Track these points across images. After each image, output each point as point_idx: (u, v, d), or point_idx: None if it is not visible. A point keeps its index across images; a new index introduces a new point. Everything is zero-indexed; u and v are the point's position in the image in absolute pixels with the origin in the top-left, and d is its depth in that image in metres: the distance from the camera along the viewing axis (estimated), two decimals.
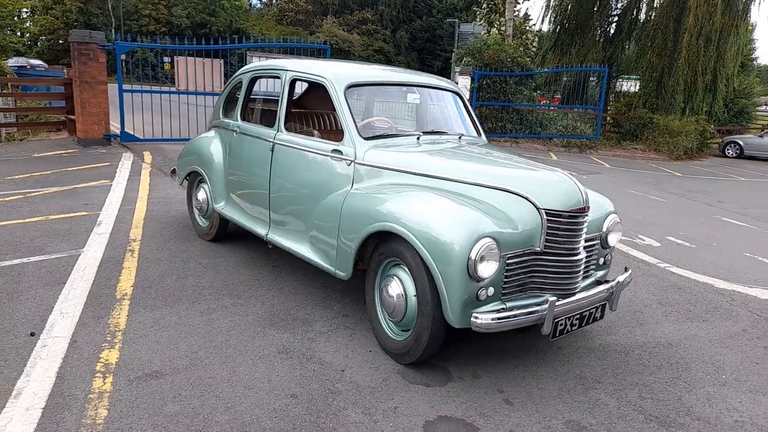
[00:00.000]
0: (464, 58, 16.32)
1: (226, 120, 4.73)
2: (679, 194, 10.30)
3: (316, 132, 3.99)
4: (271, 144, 4.00)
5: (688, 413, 2.81)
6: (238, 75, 4.66)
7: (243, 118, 4.49)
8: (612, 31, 21.77)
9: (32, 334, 3.14)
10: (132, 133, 10.58)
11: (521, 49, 15.81)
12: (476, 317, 2.71)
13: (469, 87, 15.44)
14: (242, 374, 2.87)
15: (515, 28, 16.33)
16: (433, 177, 3.19)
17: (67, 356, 2.93)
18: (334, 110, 3.64)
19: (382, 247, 3.18)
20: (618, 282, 3.22)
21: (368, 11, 56.68)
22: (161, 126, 10.71)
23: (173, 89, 11.41)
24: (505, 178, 3.05)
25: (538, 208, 2.92)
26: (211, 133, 4.94)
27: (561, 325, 2.90)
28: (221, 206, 4.63)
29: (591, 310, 3.07)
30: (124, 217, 5.63)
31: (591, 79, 18.39)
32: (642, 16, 21.20)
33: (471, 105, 15.14)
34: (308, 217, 3.69)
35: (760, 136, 20.37)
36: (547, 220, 2.92)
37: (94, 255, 4.47)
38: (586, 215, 3.03)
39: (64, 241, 4.78)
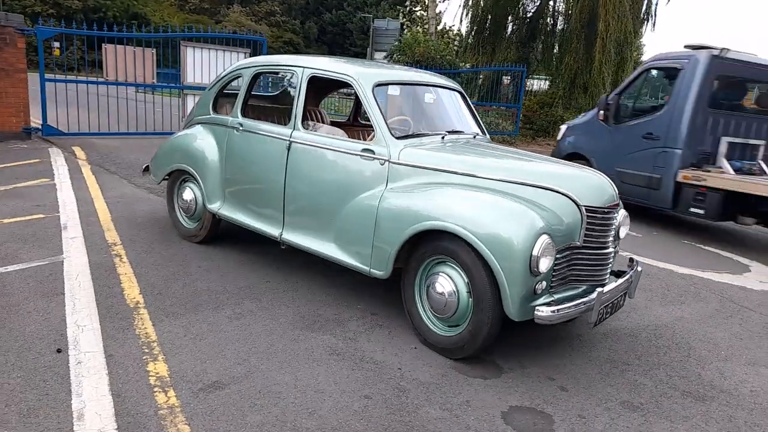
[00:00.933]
0: (394, 55, 16.52)
1: (219, 116, 4.54)
2: None
3: (339, 131, 3.94)
4: (287, 142, 3.90)
5: (712, 387, 3.14)
6: (236, 70, 4.48)
7: (244, 115, 4.33)
8: (524, 33, 22.99)
9: (59, 351, 2.88)
10: (55, 126, 9.72)
11: (448, 47, 16.26)
12: (540, 310, 2.86)
13: None
14: (306, 379, 2.83)
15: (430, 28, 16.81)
16: (476, 176, 3.28)
17: (111, 372, 2.73)
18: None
19: (424, 246, 3.24)
20: (636, 272, 3.50)
21: (275, 2, 55.45)
22: (88, 119, 9.95)
23: (101, 79, 10.57)
24: (547, 177, 3.22)
25: (578, 205, 3.11)
26: (198, 129, 4.71)
27: (600, 313, 3.12)
28: (216, 206, 4.45)
29: (618, 298, 3.33)
30: (88, 219, 5.22)
31: (505, 77, 19.30)
32: (549, 20, 22.63)
33: None
34: (333, 216, 3.66)
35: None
36: (586, 216, 3.12)
37: (79, 261, 4.14)
38: (618, 211, 3.28)
39: (36, 247, 4.37)
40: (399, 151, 3.46)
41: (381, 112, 3.56)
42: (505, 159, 3.50)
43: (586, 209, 3.12)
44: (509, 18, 22.63)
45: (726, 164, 6.66)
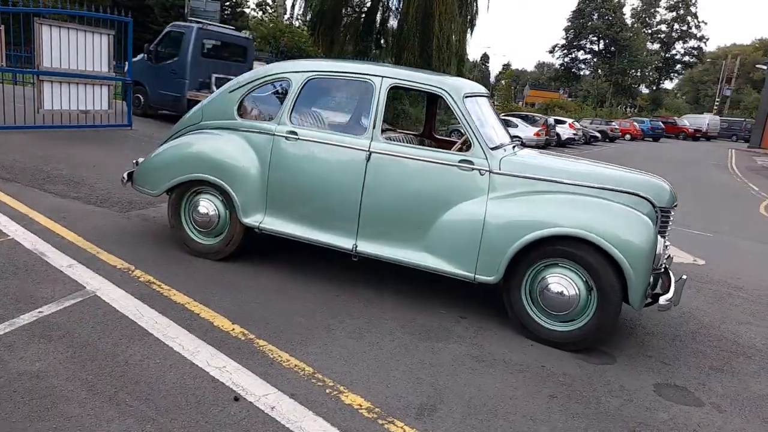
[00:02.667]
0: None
1: (255, 122, 4.18)
2: None
3: (427, 141, 3.95)
4: (366, 153, 3.81)
5: None
6: (279, 73, 4.15)
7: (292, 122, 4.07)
8: (361, 27, 23.72)
9: (236, 399, 2.56)
10: None
11: (303, 38, 16.10)
12: (662, 299, 3.35)
13: None
14: (488, 388, 2.94)
15: (280, 16, 16.53)
16: (569, 183, 3.63)
17: (317, 411, 2.53)
18: None
19: (534, 251, 3.51)
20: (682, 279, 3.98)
21: None
22: None
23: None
24: (630, 183, 3.70)
25: (655, 207, 3.67)
26: (220, 134, 4.27)
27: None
28: (256, 219, 4.12)
29: None
30: (54, 240, 4.38)
31: None
32: (386, 16, 23.73)
33: None
34: (424, 226, 3.72)
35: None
36: (661, 216, 3.70)
37: (117, 294, 3.54)
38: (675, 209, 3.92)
39: (38, 281, 3.60)
40: (498, 161, 3.66)
41: (476, 123, 3.71)
42: (585, 165, 3.91)
43: (660, 210, 3.68)
44: (342, 12, 23.21)
45: (214, 88, 11.04)
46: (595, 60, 62.32)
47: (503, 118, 22.21)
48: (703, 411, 2.98)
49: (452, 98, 3.74)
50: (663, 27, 67.02)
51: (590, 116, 41.10)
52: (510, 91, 42.03)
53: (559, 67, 65.71)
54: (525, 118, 24.25)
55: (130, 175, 4.65)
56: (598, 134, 31.83)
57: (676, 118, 48.63)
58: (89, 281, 3.68)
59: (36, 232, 4.52)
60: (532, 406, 2.82)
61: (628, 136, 37.98)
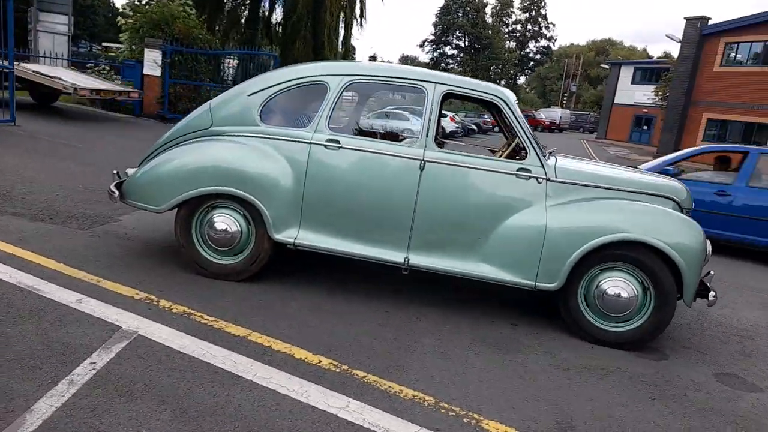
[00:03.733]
0: (141, 30, 14.44)
1: (282, 129, 3.80)
2: None
3: (485, 149, 3.84)
4: (420, 162, 3.64)
5: None
6: (315, 77, 3.79)
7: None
8: (247, 14, 22.70)
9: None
10: None
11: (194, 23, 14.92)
12: (711, 295, 3.62)
13: (160, 62, 13.94)
14: (600, 398, 2.98)
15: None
16: (617, 189, 3.78)
17: None
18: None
19: (594, 256, 3.61)
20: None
21: None
22: None
23: None
24: (661, 187, 3.93)
25: (682, 209, 3.96)
26: (241, 142, 3.82)
27: None
28: (291, 235, 3.77)
29: None
30: (37, 270, 3.67)
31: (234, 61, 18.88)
32: (268, 3, 22.95)
33: (165, 83, 13.80)
34: (481, 236, 3.67)
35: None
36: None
37: (163, 332, 3.06)
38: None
39: (59, 327, 2.99)
40: (553, 169, 3.70)
41: (530, 131, 3.71)
42: (619, 171, 4.10)
43: (685, 211, 3.98)
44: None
45: None
46: (461, 56, 65.74)
47: (390, 111, 22.72)
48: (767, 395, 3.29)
49: (508, 106, 3.71)
50: (518, 27, 72.46)
51: (460, 110, 43.33)
52: None
53: (429, 60, 68.34)
54: (412, 113, 24.93)
55: (118, 186, 4.02)
56: (474, 127, 33.69)
57: (534, 111, 52.89)
58: (118, 318, 3.13)
59: (2, 260, 3.74)
60: (645, 411, 2.91)
61: (497, 129, 40.57)
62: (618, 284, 3.61)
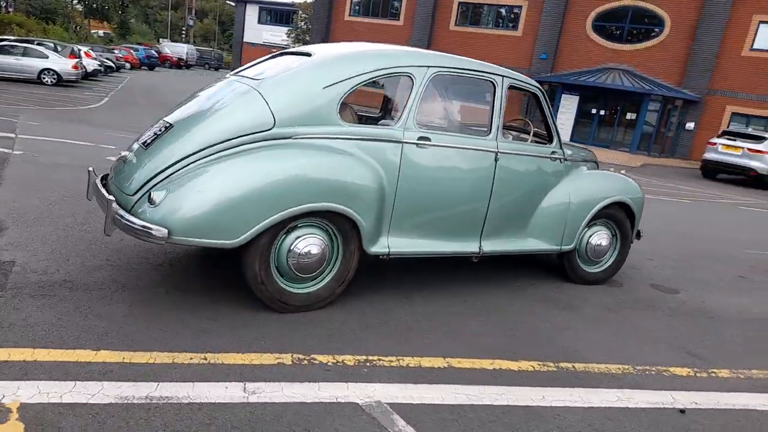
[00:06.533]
0: None
1: (369, 128, 3.30)
2: None
3: (528, 136, 4.07)
4: (495, 153, 3.76)
5: None
6: (400, 67, 3.31)
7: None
8: None
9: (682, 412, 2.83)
10: None
11: None
12: (641, 233, 5.01)
13: None
14: None
15: None
16: (587, 161, 4.73)
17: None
18: None
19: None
20: None
21: None
22: None
23: None
24: (591, 155, 5.06)
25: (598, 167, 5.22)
26: (326, 144, 3.17)
27: None
28: (384, 245, 3.44)
29: None
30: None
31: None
32: None
33: None
34: (531, 215, 4.18)
35: None
36: None
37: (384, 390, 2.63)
38: None
39: None
40: (564, 149, 4.37)
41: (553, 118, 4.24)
42: (576, 146, 5.00)
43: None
44: None
45: None
46: None
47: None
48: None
49: (543, 97, 4.12)
50: None
51: (66, 39, 36.78)
52: None
53: None
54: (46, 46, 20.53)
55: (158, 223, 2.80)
56: (113, 64, 29.64)
57: (158, 45, 49.18)
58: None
59: None
60: (706, 338, 3.98)
61: (128, 65, 36.49)
62: (601, 236, 4.64)
